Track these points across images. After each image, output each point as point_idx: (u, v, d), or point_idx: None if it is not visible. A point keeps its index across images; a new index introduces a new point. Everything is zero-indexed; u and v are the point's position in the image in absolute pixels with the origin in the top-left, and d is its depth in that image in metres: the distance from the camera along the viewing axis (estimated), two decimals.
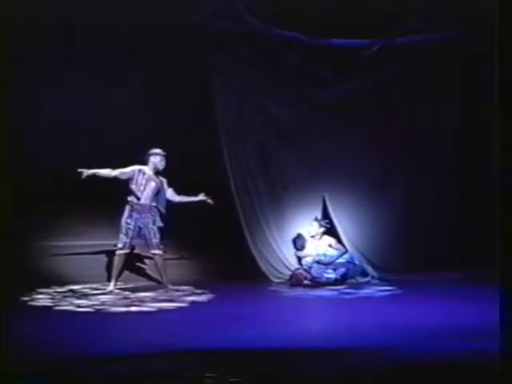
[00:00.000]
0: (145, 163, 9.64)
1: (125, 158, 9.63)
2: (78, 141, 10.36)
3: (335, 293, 9.76)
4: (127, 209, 9.51)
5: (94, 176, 9.22)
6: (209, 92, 10.58)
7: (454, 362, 5.49)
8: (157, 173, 9.60)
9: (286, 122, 10.96)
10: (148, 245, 9.63)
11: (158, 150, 9.57)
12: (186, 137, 10.23)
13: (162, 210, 9.64)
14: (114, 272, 9.51)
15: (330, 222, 10.86)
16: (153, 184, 9.55)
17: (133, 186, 9.51)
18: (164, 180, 9.67)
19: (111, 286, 9.47)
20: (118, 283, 9.69)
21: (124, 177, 9.50)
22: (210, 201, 9.69)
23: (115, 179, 9.47)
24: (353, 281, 10.50)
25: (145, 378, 5.33)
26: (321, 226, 10.79)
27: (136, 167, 9.54)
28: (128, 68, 10.42)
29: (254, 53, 10.68)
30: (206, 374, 5.28)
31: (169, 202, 9.69)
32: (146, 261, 10.37)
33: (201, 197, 9.69)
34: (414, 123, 11.00)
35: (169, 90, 10.47)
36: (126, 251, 9.53)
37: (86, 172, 9.18)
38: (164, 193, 9.63)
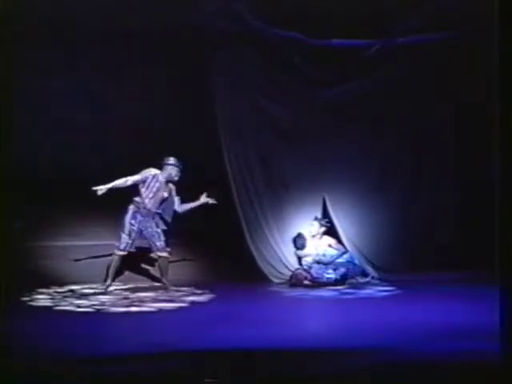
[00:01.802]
0: (149, 164, 9.61)
1: (124, 158, 9.64)
2: (78, 141, 10.35)
3: (335, 293, 9.75)
4: (131, 209, 9.47)
5: (109, 190, 9.16)
6: (209, 92, 10.56)
7: (453, 362, 5.50)
8: (168, 181, 9.56)
9: (286, 122, 10.94)
10: (153, 247, 9.61)
11: (177, 162, 9.50)
12: (186, 137, 10.22)
13: (169, 219, 9.61)
14: (112, 272, 9.47)
15: (330, 223, 10.85)
16: (162, 193, 9.50)
17: (143, 190, 9.45)
18: (173, 188, 9.60)
19: (108, 286, 9.44)
20: (119, 283, 9.71)
21: (138, 182, 9.45)
22: (211, 201, 9.65)
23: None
24: (353, 281, 10.47)
25: (145, 378, 5.33)
26: (321, 225, 10.78)
27: (151, 172, 9.47)
28: (127, 68, 10.40)
29: (255, 53, 10.66)
30: (205, 374, 5.28)
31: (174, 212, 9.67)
32: (147, 261, 10.32)
33: (202, 199, 9.62)
34: (414, 123, 10.99)
35: (169, 90, 10.46)
36: (125, 253, 9.49)
37: (101, 190, 9.10)
38: (172, 202, 9.59)
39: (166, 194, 9.53)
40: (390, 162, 11.08)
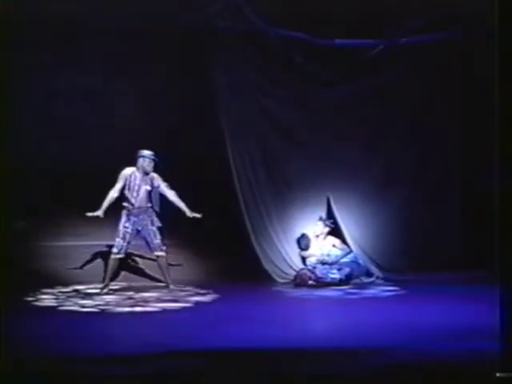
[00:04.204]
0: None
1: (126, 159, 9.64)
2: (78, 141, 10.37)
3: (340, 293, 9.75)
4: (124, 214, 9.49)
5: (105, 209, 9.31)
6: (212, 92, 10.56)
7: (454, 362, 5.50)
8: (146, 173, 9.52)
9: (290, 121, 10.96)
10: (150, 247, 9.62)
11: (146, 153, 9.44)
12: (189, 137, 10.25)
13: (157, 209, 9.60)
14: (108, 274, 9.50)
15: (334, 222, 10.86)
16: (144, 187, 9.48)
17: (126, 191, 9.47)
18: (155, 176, 9.52)
19: (105, 288, 9.46)
20: (123, 283, 9.78)
21: (122, 187, 9.47)
22: (196, 215, 9.54)
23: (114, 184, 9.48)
24: (357, 281, 10.48)
25: (148, 378, 5.34)
26: (326, 225, 10.78)
27: (127, 172, 9.47)
28: (129, 68, 10.42)
29: (258, 53, 10.67)
30: (209, 374, 5.29)
31: (163, 198, 9.59)
32: (148, 262, 10.29)
33: (189, 213, 9.48)
34: (418, 123, 10.98)
35: (172, 89, 10.46)
36: (122, 256, 9.52)
37: (99, 214, 9.24)
38: (156, 191, 9.53)
39: (148, 188, 9.51)
40: (394, 162, 11.09)
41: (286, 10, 9.89)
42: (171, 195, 9.52)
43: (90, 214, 9.24)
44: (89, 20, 9.86)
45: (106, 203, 9.33)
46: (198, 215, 9.45)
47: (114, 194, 9.39)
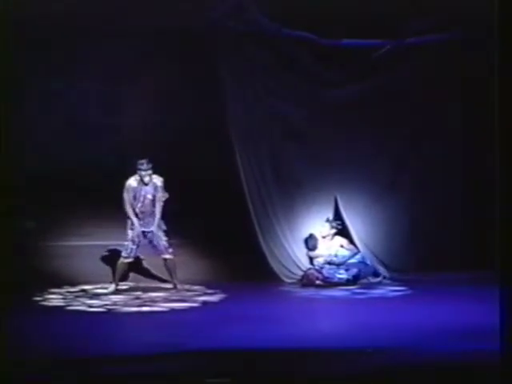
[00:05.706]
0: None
1: (129, 159, 9.68)
2: (82, 141, 10.39)
3: (347, 293, 9.76)
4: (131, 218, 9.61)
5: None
6: (218, 92, 10.58)
7: (453, 362, 5.51)
8: (146, 183, 9.58)
9: (298, 122, 10.94)
10: (157, 250, 9.66)
11: (141, 165, 9.48)
12: (195, 137, 10.28)
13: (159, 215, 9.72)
14: (117, 276, 9.59)
15: (342, 223, 10.84)
16: (148, 195, 9.57)
17: (133, 201, 9.57)
18: (158, 184, 9.58)
19: (112, 287, 9.54)
20: (130, 283, 9.84)
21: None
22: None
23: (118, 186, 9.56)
24: (364, 281, 10.46)
25: (153, 378, 5.37)
26: (332, 227, 10.74)
27: (134, 185, 9.54)
28: (135, 68, 10.45)
29: (266, 53, 10.68)
30: (216, 374, 5.32)
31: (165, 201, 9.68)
32: (156, 263, 10.28)
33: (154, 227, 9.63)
34: (421, 123, 10.97)
35: (177, 90, 10.47)
36: (131, 260, 9.60)
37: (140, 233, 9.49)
38: (159, 197, 9.63)
39: (151, 197, 9.59)
40: (400, 163, 11.07)
41: (291, 10, 9.90)
42: (157, 207, 9.59)
43: (136, 240, 9.47)
44: (89, 20, 9.86)
45: (135, 221, 9.47)
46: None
47: (129, 208, 9.51)
